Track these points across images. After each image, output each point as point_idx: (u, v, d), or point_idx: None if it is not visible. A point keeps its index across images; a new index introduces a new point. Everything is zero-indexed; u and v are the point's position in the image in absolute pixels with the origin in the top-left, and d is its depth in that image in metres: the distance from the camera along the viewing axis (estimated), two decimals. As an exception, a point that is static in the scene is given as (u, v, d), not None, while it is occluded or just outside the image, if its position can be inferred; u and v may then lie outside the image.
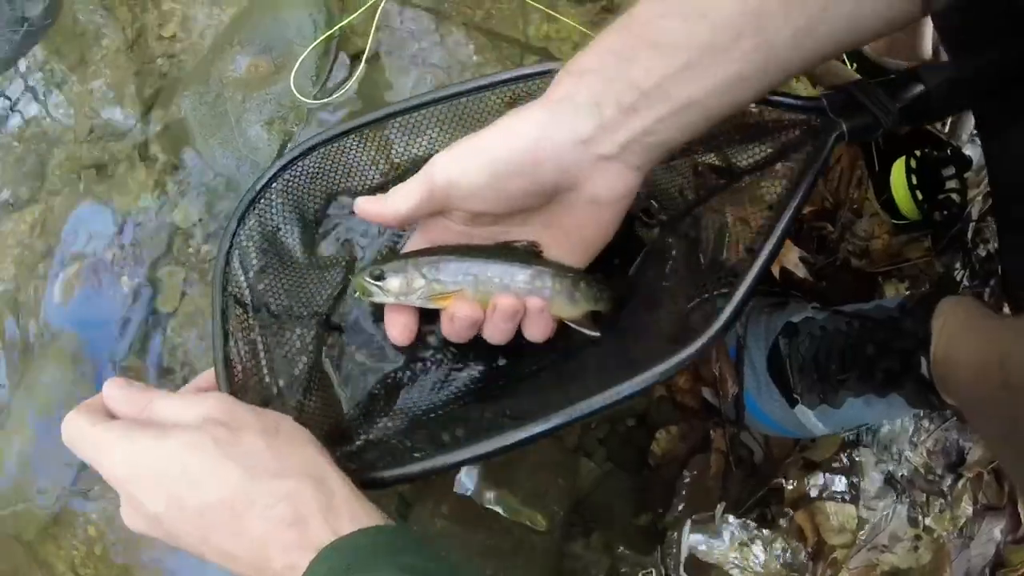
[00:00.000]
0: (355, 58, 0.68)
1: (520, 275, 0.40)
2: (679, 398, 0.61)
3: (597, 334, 0.42)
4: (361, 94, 0.66)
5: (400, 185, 0.38)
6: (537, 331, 0.40)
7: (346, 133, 0.47)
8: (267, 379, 0.42)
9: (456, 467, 0.38)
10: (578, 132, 0.34)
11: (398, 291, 0.40)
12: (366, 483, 0.35)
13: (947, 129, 0.72)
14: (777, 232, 0.39)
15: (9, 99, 0.73)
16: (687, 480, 0.58)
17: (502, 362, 0.45)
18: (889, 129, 0.41)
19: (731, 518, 0.58)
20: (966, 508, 0.69)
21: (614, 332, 0.44)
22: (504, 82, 0.45)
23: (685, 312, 0.49)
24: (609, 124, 0.33)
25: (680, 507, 0.58)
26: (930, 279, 0.71)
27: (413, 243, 0.43)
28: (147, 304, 0.64)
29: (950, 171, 0.69)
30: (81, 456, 0.34)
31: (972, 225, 0.73)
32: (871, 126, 0.40)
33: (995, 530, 0.70)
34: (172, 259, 0.64)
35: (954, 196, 0.69)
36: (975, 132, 0.75)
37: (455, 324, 0.40)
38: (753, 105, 0.41)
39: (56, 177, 0.69)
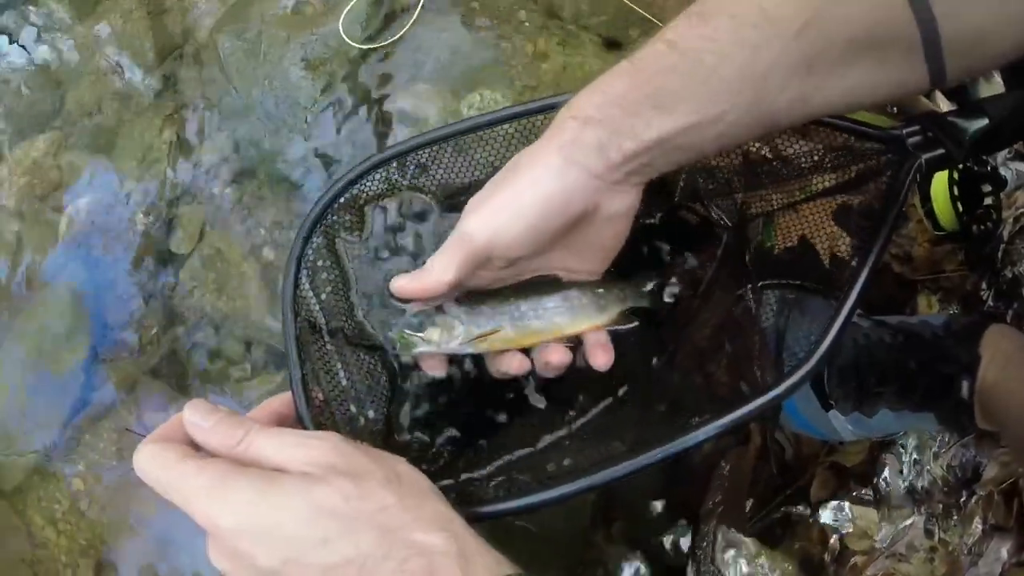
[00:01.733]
0: (405, 10, 0.64)
1: (549, 303, 0.43)
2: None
3: (635, 323, 0.45)
4: (408, 46, 0.63)
5: (434, 257, 0.39)
6: (602, 360, 0.43)
7: (414, 149, 0.45)
8: (352, 408, 0.41)
9: (566, 499, 0.36)
10: (590, 169, 0.36)
11: (439, 339, 0.41)
12: (472, 519, 0.33)
13: (984, 148, 0.72)
14: (865, 270, 0.39)
15: (30, 32, 0.68)
16: (723, 470, 0.56)
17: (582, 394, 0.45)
18: (960, 162, 0.42)
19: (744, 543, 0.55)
20: (976, 526, 0.69)
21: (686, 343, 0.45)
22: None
23: (732, 306, 0.49)
24: (614, 164, 0.36)
25: (714, 499, 0.56)
26: (960, 296, 0.70)
27: None
28: (162, 243, 0.59)
29: (987, 188, 0.70)
30: (165, 496, 0.31)
31: (1002, 246, 0.73)
32: (944, 158, 0.41)
33: (1002, 550, 0.69)
34: (194, 198, 0.60)
35: (992, 214, 0.69)
36: (1009, 156, 0.76)
37: (508, 375, 0.42)
38: (831, 132, 0.42)
39: (76, 108, 0.65)
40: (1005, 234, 0.73)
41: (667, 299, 0.49)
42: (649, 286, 0.47)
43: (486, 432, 0.46)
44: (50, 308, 0.60)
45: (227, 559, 0.31)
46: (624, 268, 0.46)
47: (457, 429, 0.46)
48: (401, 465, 0.34)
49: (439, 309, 0.42)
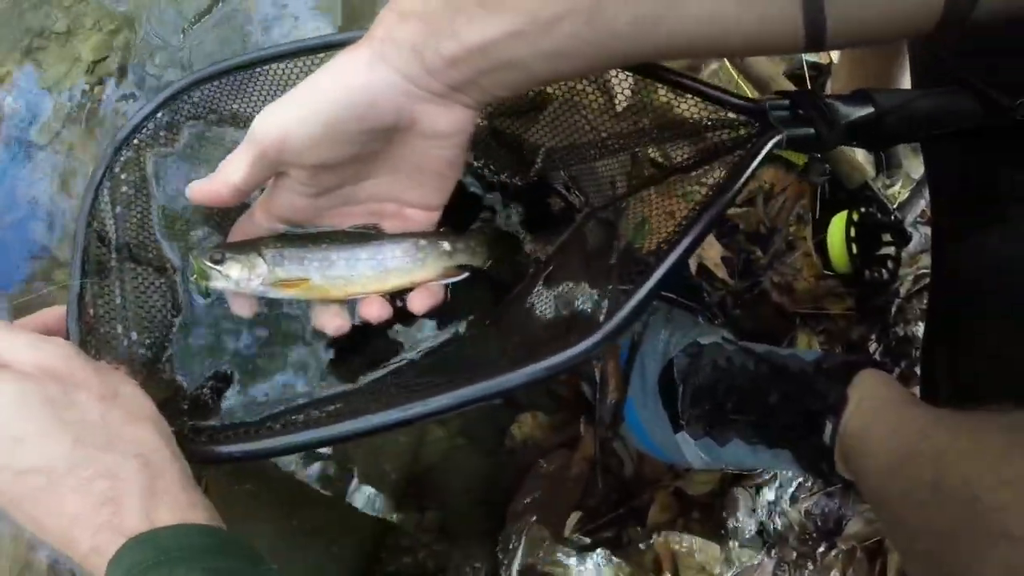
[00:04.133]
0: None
1: (363, 253, 0.38)
2: (552, 385, 0.52)
3: (461, 276, 0.40)
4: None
5: (228, 156, 0.34)
6: (418, 305, 0.39)
7: (238, 68, 0.41)
8: (119, 328, 0.38)
9: (313, 447, 0.34)
10: (404, 72, 0.31)
11: (238, 277, 0.36)
12: (213, 458, 0.32)
13: (896, 204, 0.68)
14: (695, 230, 0.34)
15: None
16: (541, 470, 0.49)
17: (386, 346, 0.42)
18: (831, 146, 0.38)
19: (581, 539, 0.49)
20: (833, 581, 0.62)
21: (511, 315, 0.42)
22: None
23: (583, 303, 0.44)
24: (432, 69, 0.30)
25: (527, 500, 0.49)
26: (844, 342, 0.65)
27: (256, 215, 0.38)
28: (23, 131, 0.53)
29: (888, 239, 0.65)
30: None
31: (897, 302, 0.68)
32: (812, 138, 0.37)
33: (857, 611, 0.62)
34: (65, 93, 0.54)
35: (888, 264, 0.64)
36: (919, 219, 0.71)
37: (325, 333, 0.38)
38: (693, 99, 0.39)
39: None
40: (902, 291, 0.68)
41: (499, 268, 0.43)
42: (485, 245, 0.41)
43: (262, 376, 0.40)
44: None
45: None
46: (469, 223, 0.42)
47: (229, 369, 0.41)
48: (127, 386, 0.31)
49: (249, 245, 0.37)
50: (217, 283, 0.37)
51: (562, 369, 0.32)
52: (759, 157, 0.35)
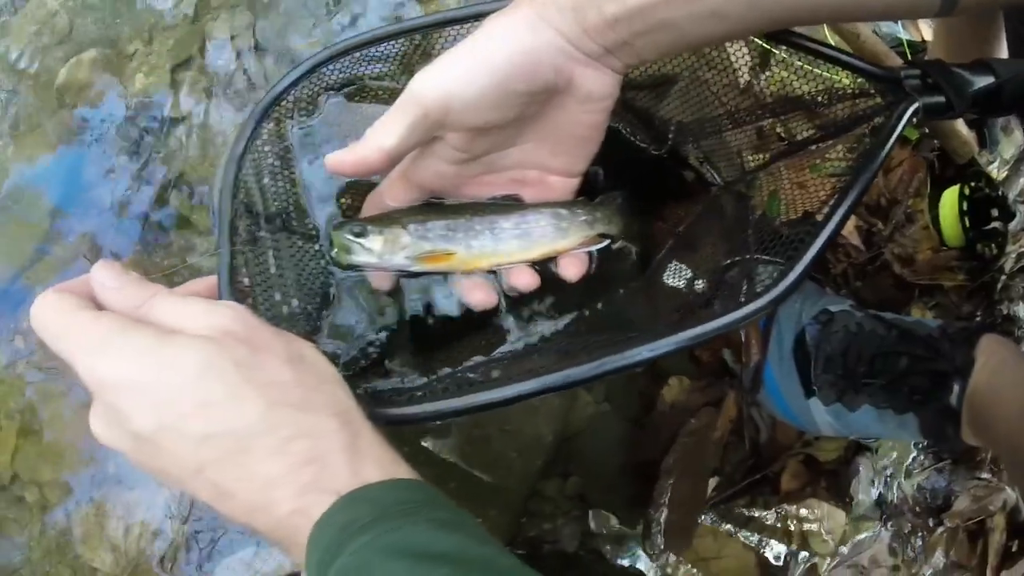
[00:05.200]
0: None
1: (507, 223, 0.37)
2: (697, 351, 0.52)
3: (603, 244, 0.40)
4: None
5: (378, 121, 0.32)
6: (572, 272, 0.39)
7: (391, 36, 0.39)
8: (278, 295, 0.36)
9: (484, 409, 0.32)
10: (565, 33, 0.31)
11: (381, 250, 0.35)
12: (391, 420, 0.30)
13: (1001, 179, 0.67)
14: (847, 202, 0.35)
15: None
16: (691, 426, 0.49)
17: (537, 306, 0.41)
18: (960, 114, 0.38)
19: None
20: (939, 558, 0.61)
21: (658, 283, 0.42)
22: None
23: (722, 271, 0.44)
24: (591, 30, 0.31)
25: (676, 455, 0.48)
26: (955, 316, 0.65)
27: (392, 185, 0.37)
28: (154, 103, 0.53)
29: (995, 214, 0.65)
30: (54, 347, 0.27)
31: (1002, 279, 0.67)
32: (944, 107, 0.37)
33: (961, 587, 0.62)
34: (196, 65, 0.54)
35: (997, 239, 0.64)
36: (1019, 198, 0.71)
37: (471, 306, 0.38)
38: (823, 69, 0.38)
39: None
40: (1006, 267, 0.68)
41: (634, 237, 0.43)
42: (620, 213, 0.41)
43: (421, 342, 0.40)
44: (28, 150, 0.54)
45: (104, 420, 0.27)
46: (605, 193, 0.41)
47: (388, 334, 0.40)
48: (308, 349, 0.30)
49: (390, 218, 0.35)
50: (359, 257, 0.35)
51: (735, 326, 0.33)
52: (902, 123, 0.35)
